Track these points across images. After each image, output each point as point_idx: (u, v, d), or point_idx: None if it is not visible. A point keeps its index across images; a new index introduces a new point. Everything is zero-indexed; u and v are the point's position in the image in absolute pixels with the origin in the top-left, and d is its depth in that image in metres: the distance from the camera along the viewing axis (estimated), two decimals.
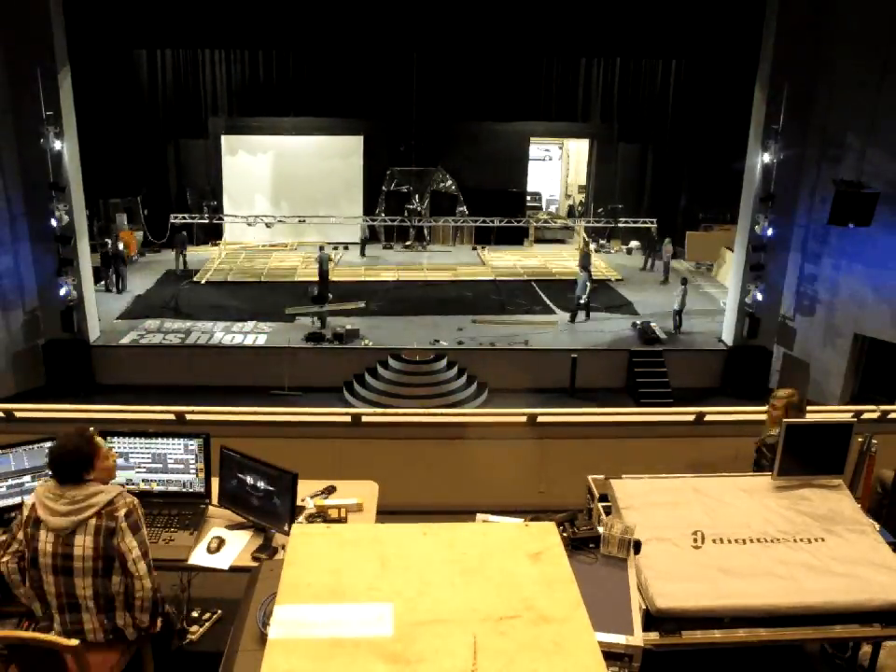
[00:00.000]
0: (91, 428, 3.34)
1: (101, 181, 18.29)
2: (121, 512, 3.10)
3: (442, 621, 1.82)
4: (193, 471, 3.87)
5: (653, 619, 3.12)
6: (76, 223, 14.59)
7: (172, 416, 5.66)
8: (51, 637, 2.96)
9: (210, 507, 3.87)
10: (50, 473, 3.15)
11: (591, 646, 1.78)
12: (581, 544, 3.33)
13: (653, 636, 3.09)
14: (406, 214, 23.05)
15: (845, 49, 13.57)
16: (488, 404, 14.20)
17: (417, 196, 23.32)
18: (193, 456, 3.85)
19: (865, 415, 6.04)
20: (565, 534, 3.27)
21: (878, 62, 12.77)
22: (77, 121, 14.59)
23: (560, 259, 22.36)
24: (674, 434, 6.22)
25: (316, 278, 17.64)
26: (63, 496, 3.10)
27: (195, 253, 21.59)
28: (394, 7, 15.93)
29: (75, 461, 3.12)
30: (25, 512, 3.16)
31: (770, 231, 14.89)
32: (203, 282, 19.51)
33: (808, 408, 4.90)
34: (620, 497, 3.68)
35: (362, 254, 22.49)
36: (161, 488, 3.88)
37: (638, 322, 16.36)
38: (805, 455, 3.79)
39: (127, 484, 3.85)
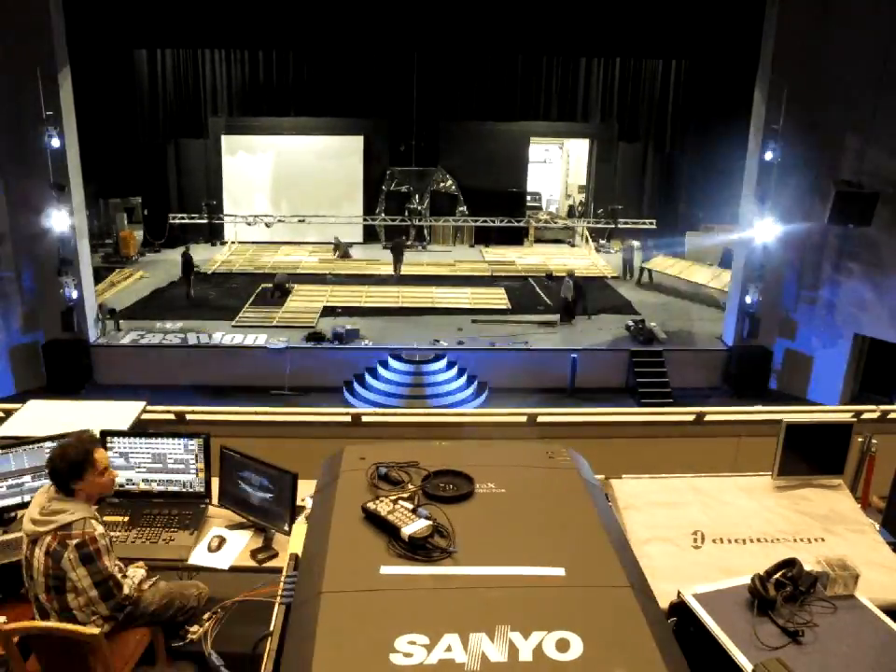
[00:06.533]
0: (91, 431, 3.32)
1: (101, 181, 18.28)
2: (74, 541, 2.97)
3: None
4: (193, 471, 3.87)
5: None
6: (76, 223, 14.59)
7: (172, 416, 5.66)
8: (72, 626, 2.93)
9: (210, 507, 3.88)
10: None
11: None
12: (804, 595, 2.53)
13: None
14: (406, 214, 23.04)
15: (844, 48, 13.56)
16: (488, 404, 14.20)
17: (417, 196, 23.31)
18: (193, 456, 3.85)
19: (865, 415, 6.02)
20: (788, 588, 2.45)
21: (878, 61, 12.77)
22: (77, 121, 14.57)
23: (562, 258, 22.36)
24: (674, 434, 6.21)
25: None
26: (43, 504, 3.03)
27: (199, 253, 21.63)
28: (394, 6, 15.93)
29: (65, 468, 3.02)
30: None
31: (770, 232, 14.90)
32: (210, 272, 19.80)
33: (808, 408, 4.90)
34: (620, 496, 3.68)
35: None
36: (162, 488, 3.88)
37: (631, 323, 16.32)
38: (805, 455, 3.78)
39: (127, 484, 3.85)
